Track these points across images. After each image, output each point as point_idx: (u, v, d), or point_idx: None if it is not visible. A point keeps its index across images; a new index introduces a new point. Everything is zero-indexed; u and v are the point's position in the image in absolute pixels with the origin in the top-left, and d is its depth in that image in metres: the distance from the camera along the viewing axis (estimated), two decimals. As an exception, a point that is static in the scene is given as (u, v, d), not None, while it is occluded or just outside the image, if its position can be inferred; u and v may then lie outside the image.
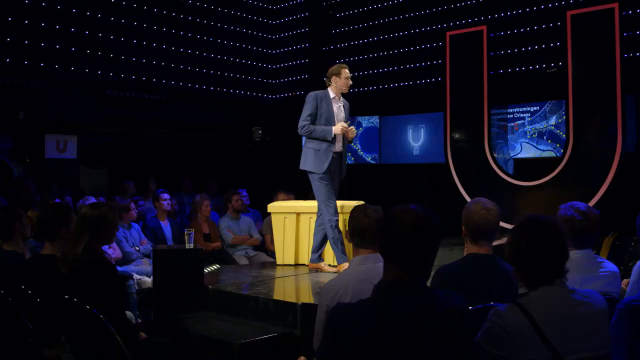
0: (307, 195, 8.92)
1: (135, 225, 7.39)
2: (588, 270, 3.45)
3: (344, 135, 6.11)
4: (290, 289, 5.91)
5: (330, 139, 6.02)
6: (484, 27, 8.65)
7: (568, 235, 3.62)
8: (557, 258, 2.37)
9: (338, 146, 6.11)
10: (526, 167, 8.66)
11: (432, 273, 3.55)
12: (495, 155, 8.51)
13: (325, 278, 6.06)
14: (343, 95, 6.28)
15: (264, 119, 11.04)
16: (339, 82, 6.08)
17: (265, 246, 8.45)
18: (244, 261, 7.88)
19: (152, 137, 10.24)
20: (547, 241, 2.37)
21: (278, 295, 5.35)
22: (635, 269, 3.64)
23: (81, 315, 3.32)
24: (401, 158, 10.21)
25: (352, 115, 10.10)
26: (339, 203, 6.91)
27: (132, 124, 9.94)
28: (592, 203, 7.59)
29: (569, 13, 7.87)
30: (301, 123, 6.07)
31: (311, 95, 6.14)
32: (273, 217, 6.94)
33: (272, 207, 7.01)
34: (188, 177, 10.52)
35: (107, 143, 10.67)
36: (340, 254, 6.06)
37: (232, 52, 10.87)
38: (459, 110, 8.84)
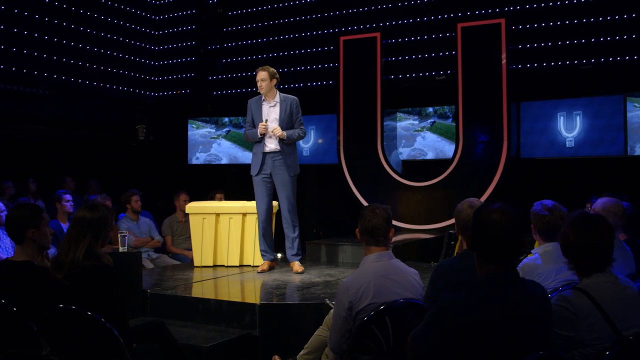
0: (205, 195, 8.79)
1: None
2: (560, 261, 3.80)
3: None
4: (235, 289, 5.79)
5: (257, 140, 6.12)
6: (377, 34, 9.04)
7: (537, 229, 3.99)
8: (608, 249, 2.69)
9: (269, 146, 6.12)
10: (417, 169, 9.15)
11: (435, 266, 3.74)
12: (387, 157, 8.89)
13: (260, 277, 6.01)
14: (291, 93, 6.40)
15: (148, 117, 10.63)
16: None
17: (166, 248, 8.20)
18: (148, 264, 7.58)
19: (30, 134, 9.49)
20: (601, 235, 2.68)
21: (226, 296, 5.27)
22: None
23: (80, 324, 3.10)
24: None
25: (237, 116, 10.11)
26: (240, 204, 6.93)
27: (8, 119, 9.15)
28: (479, 202, 8.24)
29: (460, 25, 8.48)
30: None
31: (247, 103, 6.30)
32: (191, 217, 6.78)
33: (190, 207, 6.84)
34: (68, 176, 9.91)
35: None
36: (260, 252, 6.33)
37: (115, 47, 10.37)
38: (352, 113, 9.13)
